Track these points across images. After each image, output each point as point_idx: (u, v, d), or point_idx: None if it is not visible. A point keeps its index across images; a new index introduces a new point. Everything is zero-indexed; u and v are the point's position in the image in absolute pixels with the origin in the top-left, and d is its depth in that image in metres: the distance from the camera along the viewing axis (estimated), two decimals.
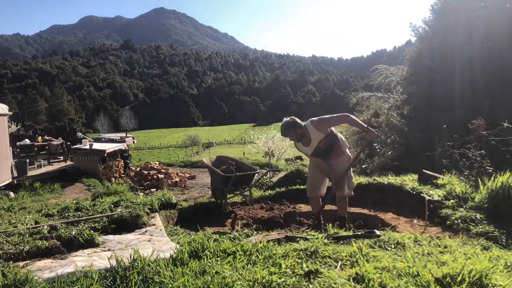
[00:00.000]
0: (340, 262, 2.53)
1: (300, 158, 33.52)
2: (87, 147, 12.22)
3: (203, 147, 58.36)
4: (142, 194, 8.82)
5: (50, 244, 3.44)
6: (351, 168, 3.90)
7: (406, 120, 10.11)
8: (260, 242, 2.91)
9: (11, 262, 3.01)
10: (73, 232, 3.67)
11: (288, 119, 3.80)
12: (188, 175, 14.24)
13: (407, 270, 2.25)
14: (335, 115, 3.76)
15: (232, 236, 3.39)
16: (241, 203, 5.80)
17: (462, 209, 4.01)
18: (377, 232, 3.08)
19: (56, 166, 11.88)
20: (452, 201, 4.23)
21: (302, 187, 6.16)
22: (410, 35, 10.56)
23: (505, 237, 3.32)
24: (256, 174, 6.00)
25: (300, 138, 3.75)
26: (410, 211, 4.52)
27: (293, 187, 6.21)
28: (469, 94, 8.27)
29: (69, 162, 12.52)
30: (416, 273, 2.19)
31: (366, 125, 3.70)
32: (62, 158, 12.95)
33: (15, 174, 9.60)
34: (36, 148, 12.34)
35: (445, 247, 2.91)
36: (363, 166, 9.98)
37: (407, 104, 10.14)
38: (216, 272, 2.39)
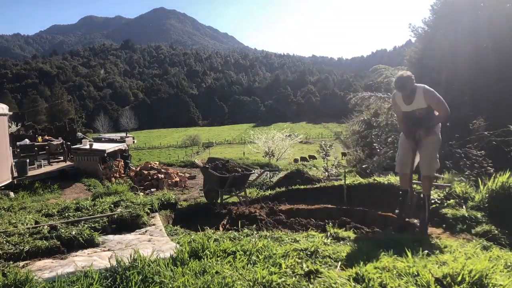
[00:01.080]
0: (340, 262, 2.53)
1: (305, 159, 33.52)
2: (87, 147, 12.20)
3: (203, 147, 58.38)
4: (142, 194, 8.81)
5: (50, 244, 3.43)
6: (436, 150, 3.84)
7: None
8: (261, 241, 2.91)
9: (12, 262, 3.01)
10: (73, 232, 3.67)
11: (404, 72, 3.81)
12: (188, 175, 14.24)
13: (407, 270, 2.25)
14: (443, 104, 3.69)
15: (232, 236, 3.39)
16: (240, 203, 5.80)
17: (463, 209, 4.01)
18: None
19: (56, 166, 11.86)
20: (452, 201, 4.23)
21: (302, 187, 6.16)
22: (410, 36, 10.57)
23: (505, 237, 3.32)
24: (253, 175, 6.01)
25: (408, 94, 3.73)
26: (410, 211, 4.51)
27: (293, 187, 6.20)
28: (469, 94, 8.27)
29: (69, 162, 12.52)
30: (416, 273, 2.19)
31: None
32: (62, 158, 12.94)
33: (15, 174, 9.60)
34: (36, 148, 12.32)
35: (445, 247, 2.91)
36: (363, 166, 9.98)
37: None
38: (216, 272, 2.39)
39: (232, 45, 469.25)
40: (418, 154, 3.84)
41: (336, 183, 6.07)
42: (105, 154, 12.05)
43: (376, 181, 5.42)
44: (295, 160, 28.14)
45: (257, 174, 5.97)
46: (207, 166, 6.02)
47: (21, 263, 3.09)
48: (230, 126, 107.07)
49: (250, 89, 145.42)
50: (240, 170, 5.92)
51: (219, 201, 5.50)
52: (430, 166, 3.75)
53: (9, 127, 11.32)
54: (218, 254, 2.74)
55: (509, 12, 8.21)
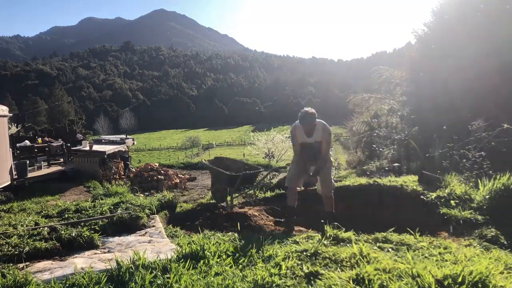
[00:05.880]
0: (340, 263, 2.53)
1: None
2: (87, 148, 12.19)
3: (203, 149, 58.31)
4: (142, 195, 8.80)
5: (50, 246, 3.43)
6: (332, 173, 4.54)
7: (406, 121, 10.12)
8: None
9: (11, 264, 3.01)
10: (73, 234, 3.66)
11: (310, 109, 4.22)
12: (188, 176, 14.23)
13: (408, 271, 2.25)
14: (330, 145, 4.39)
15: (232, 237, 3.39)
16: (242, 203, 5.79)
17: (463, 210, 4.00)
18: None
19: (56, 168, 11.85)
20: (452, 202, 4.22)
21: (302, 188, 6.14)
22: (410, 37, 10.58)
23: (505, 238, 3.32)
24: (260, 174, 6.01)
25: (311, 129, 4.20)
26: (411, 212, 4.51)
27: None
28: (469, 95, 8.27)
29: (69, 164, 12.51)
30: (416, 274, 2.19)
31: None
32: (62, 159, 12.93)
33: (15, 176, 9.58)
34: (36, 150, 12.32)
35: (446, 248, 2.91)
36: (364, 167, 9.99)
37: (407, 105, 10.15)
38: (217, 273, 2.38)
39: (232, 46, 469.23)
40: (318, 178, 4.32)
41: (336, 184, 6.06)
42: (105, 156, 12.05)
43: (376, 182, 5.42)
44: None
45: (265, 173, 5.98)
46: (214, 165, 6.00)
47: (21, 265, 3.08)
48: (230, 128, 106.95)
49: (250, 90, 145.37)
50: (247, 167, 5.94)
51: (228, 199, 5.49)
52: (330, 189, 4.28)
53: (9, 128, 11.32)
54: (218, 255, 2.73)
55: (509, 13, 8.22)
